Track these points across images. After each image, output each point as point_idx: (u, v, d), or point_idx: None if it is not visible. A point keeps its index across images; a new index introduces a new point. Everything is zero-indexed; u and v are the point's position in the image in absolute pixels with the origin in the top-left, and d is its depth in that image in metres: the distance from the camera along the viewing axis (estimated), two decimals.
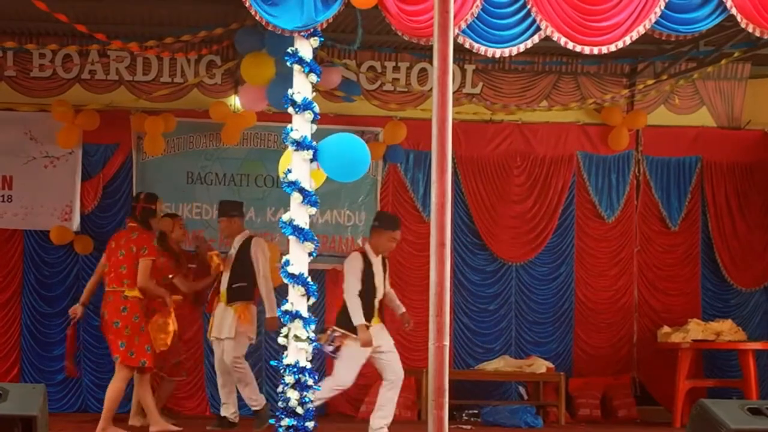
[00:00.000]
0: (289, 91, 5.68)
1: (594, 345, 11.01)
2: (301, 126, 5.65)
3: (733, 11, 7.44)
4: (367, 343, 7.84)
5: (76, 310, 8.63)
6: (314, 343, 7.47)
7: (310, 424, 5.48)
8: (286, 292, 6.35)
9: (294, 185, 5.60)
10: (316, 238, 5.68)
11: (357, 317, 7.85)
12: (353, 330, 7.85)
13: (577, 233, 11.08)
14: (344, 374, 7.95)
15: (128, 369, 7.98)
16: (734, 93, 11.18)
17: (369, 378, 10.60)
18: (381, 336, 8.09)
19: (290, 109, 5.69)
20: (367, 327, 7.88)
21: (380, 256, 8.14)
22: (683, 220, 11.19)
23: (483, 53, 6.76)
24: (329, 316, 10.68)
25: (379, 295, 8.12)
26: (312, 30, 6.47)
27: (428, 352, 3.32)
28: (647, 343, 10.90)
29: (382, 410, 8.04)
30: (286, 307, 5.56)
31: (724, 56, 10.14)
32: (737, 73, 11.10)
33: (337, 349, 7.89)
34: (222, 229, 9.39)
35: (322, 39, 6.93)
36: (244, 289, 8.76)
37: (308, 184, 5.65)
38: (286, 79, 5.73)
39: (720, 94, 11.18)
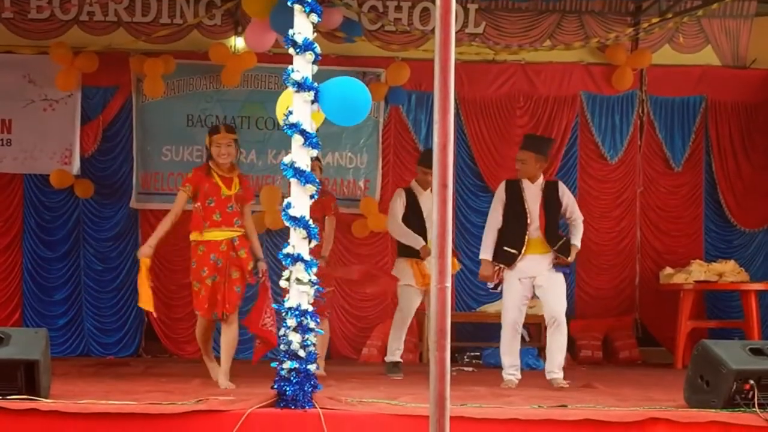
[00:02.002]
0: (290, 32, 5.60)
1: (596, 286, 11.01)
2: (302, 67, 5.57)
3: None
4: (484, 278, 7.73)
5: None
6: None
7: (312, 367, 5.47)
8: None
9: (295, 127, 5.54)
10: (317, 180, 5.63)
11: (482, 250, 7.78)
12: (506, 262, 7.68)
13: (579, 174, 11.04)
14: (506, 309, 7.70)
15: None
16: (740, 31, 11.05)
17: (370, 321, 10.66)
18: (537, 267, 7.68)
19: (291, 50, 5.60)
20: (491, 261, 7.70)
21: (537, 182, 7.77)
22: (687, 160, 11.14)
23: None
24: (331, 260, 10.70)
25: (533, 222, 7.68)
26: None
27: (430, 294, 3.30)
28: (649, 285, 10.91)
29: (549, 354, 7.71)
30: (288, 250, 5.52)
31: None
32: (743, 10, 10.97)
33: (499, 284, 7.74)
34: (427, 182, 8.64)
35: None
36: None
37: (309, 126, 5.59)
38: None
39: (725, 32, 11.06)
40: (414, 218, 8.69)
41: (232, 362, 7.29)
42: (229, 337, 7.29)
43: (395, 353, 8.78)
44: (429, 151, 9.38)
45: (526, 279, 7.68)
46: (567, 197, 7.92)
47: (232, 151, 7.37)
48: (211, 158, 7.39)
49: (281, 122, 5.82)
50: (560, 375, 7.61)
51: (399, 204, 8.77)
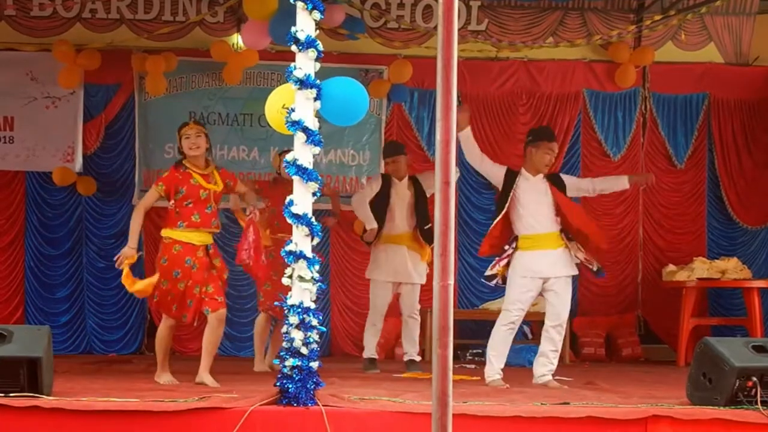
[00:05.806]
0: (292, 29, 5.60)
1: (598, 284, 10.98)
2: (305, 64, 5.57)
3: None
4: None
5: None
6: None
7: (315, 364, 5.46)
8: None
9: (298, 124, 5.54)
10: (320, 177, 5.62)
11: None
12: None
13: (582, 172, 11.02)
14: (507, 305, 7.46)
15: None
16: (742, 28, 11.05)
17: None
18: (550, 268, 7.38)
19: (293, 47, 5.59)
20: None
21: (539, 175, 7.58)
22: (689, 158, 11.14)
23: None
24: (333, 257, 10.71)
25: (533, 216, 7.48)
26: None
27: (432, 291, 3.29)
28: (652, 282, 10.91)
29: (542, 356, 7.45)
30: (290, 247, 5.52)
31: None
32: (746, 7, 10.97)
33: (503, 279, 7.52)
34: (395, 170, 8.88)
35: None
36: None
37: (312, 123, 5.59)
38: (288, 14, 5.63)
39: (728, 29, 11.05)
40: (379, 204, 8.79)
41: (233, 361, 7.24)
42: (214, 336, 7.09)
43: (370, 350, 8.87)
44: (389, 144, 9.55)
45: (535, 278, 7.41)
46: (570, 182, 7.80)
47: (201, 142, 7.19)
48: (184, 157, 7.24)
49: (270, 121, 5.82)
50: (549, 377, 7.43)
51: (373, 186, 8.92)
